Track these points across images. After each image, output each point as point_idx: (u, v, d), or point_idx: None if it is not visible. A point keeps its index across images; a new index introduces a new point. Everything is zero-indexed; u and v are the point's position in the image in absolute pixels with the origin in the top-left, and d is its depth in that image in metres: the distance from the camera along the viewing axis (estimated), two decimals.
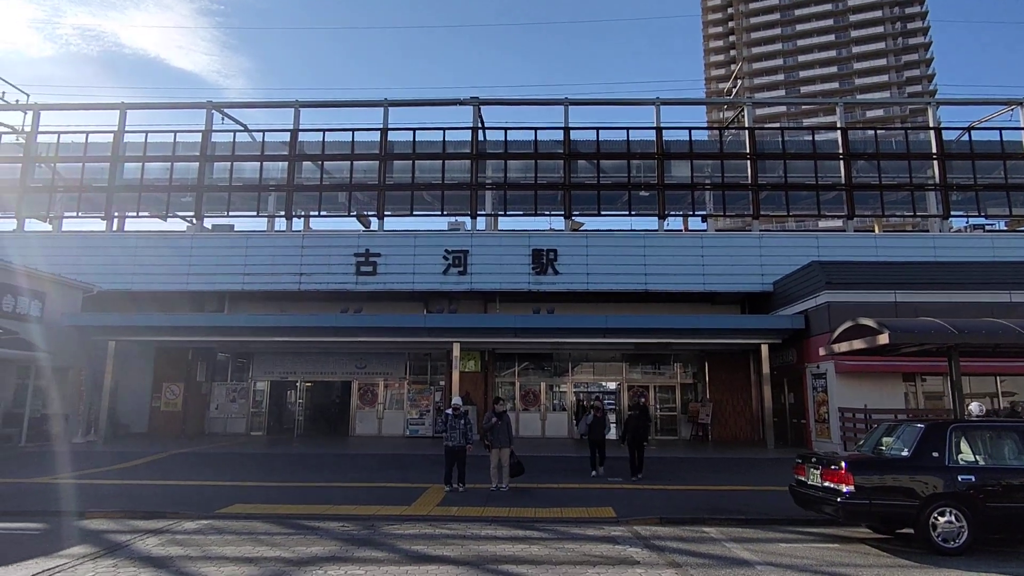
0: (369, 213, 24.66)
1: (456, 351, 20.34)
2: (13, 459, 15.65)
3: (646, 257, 22.24)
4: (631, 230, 24.43)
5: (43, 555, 7.16)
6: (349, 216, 24.59)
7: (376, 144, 23.89)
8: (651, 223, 24.56)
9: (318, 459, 16.93)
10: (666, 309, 22.74)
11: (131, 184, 23.86)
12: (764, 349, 20.29)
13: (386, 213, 23.64)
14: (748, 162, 23.50)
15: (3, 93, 24.57)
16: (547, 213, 25.75)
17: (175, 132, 23.99)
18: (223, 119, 24.43)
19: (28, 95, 25.41)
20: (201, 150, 23.82)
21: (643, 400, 20.14)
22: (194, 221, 24.11)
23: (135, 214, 24.23)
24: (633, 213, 24.07)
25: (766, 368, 20.23)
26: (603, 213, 24.12)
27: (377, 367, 24.02)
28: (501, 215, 24.60)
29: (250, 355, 24.38)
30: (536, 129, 23.65)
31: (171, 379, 23.28)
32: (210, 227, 24.66)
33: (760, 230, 23.35)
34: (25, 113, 24.50)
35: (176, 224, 24.90)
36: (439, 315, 21.96)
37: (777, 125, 62.25)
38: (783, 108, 78.99)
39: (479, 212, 23.55)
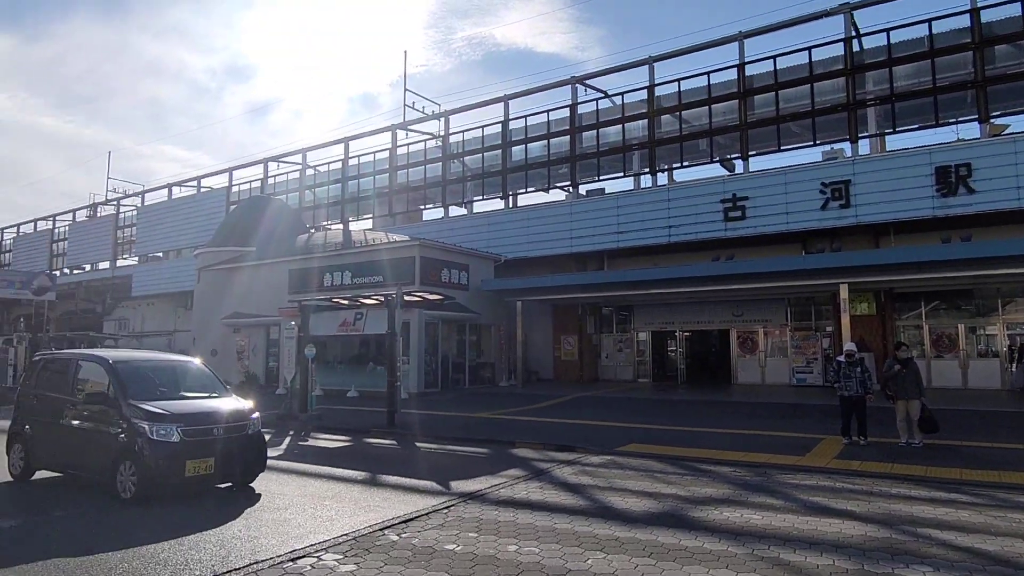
0: (732, 156, 23.75)
1: (844, 293, 18.39)
2: (462, 398, 19.77)
3: None
4: None
5: (490, 473, 8.97)
6: (712, 163, 24.05)
7: (734, 83, 22.76)
8: None
9: (702, 406, 17.32)
10: None
11: (518, 165, 27.41)
12: None
13: (750, 153, 22.46)
14: None
15: (423, 108, 30.50)
16: (952, 121, 21.14)
17: (547, 111, 26.63)
18: (585, 90, 26.19)
19: (439, 105, 31.06)
20: (570, 123, 25.98)
21: None
22: (570, 189, 26.55)
23: (524, 190, 27.79)
24: None
25: None
26: None
27: (755, 314, 23.27)
28: (888, 133, 21.14)
29: (630, 308, 26.03)
30: (929, 20, 19.49)
31: (567, 332, 26.38)
32: (584, 193, 26.83)
33: None
34: (439, 120, 30.06)
35: (556, 195, 27.66)
36: (820, 255, 20.10)
37: None
38: None
39: (860, 135, 20.62)
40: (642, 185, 25.26)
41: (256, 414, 8.37)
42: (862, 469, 8.87)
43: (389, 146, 31.02)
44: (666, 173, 25.48)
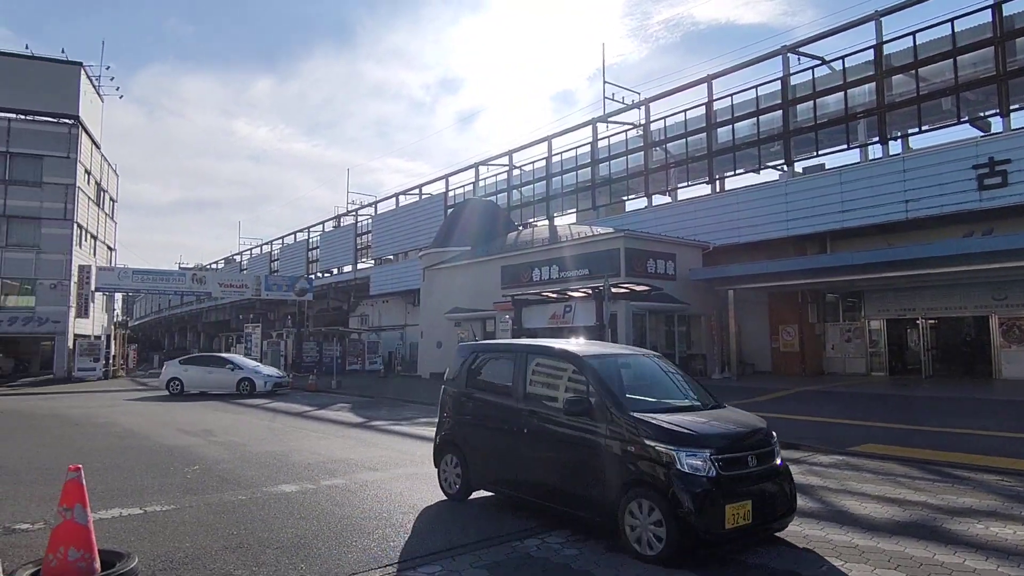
0: (988, 113, 20.25)
1: None
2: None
3: None
4: None
5: None
6: (959, 123, 20.70)
7: (987, 27, 19.37)
8: None
9: (953, 403, 15.08)
10: None
11: (724, 147, 26.04)
12: None
13: (1012, 107, 18.97)
14: None
15: (622, 98, 30.31)
16: None
17: (755, 87, 24.94)
18: (799, 59, 24.06)
19: (639, 94, 30.64)
20: (782, 96, 24.06)
21: None
22: (785, 168, 24.60)
23: (732, 173, 26.34)
24: None
25: None
26: None
27: (1022, 297, 19.65)
28: None
29: (859, 293, 23.47)
30: None
31: (785, 321, 24.53)
32: (801, 170, 24.72)
33: None
34: (638, 109, 29.63)
35: (768, 175, 25.84)
36: None
37: None
38: None
39: None
40: (870, 156, 22.58)
41: (775, 436, 5.95)
42: None
43: (590, 140, 31.29)
44: (900, 141, 22.50)
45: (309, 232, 55.83)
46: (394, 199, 45.94)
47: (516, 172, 36.10)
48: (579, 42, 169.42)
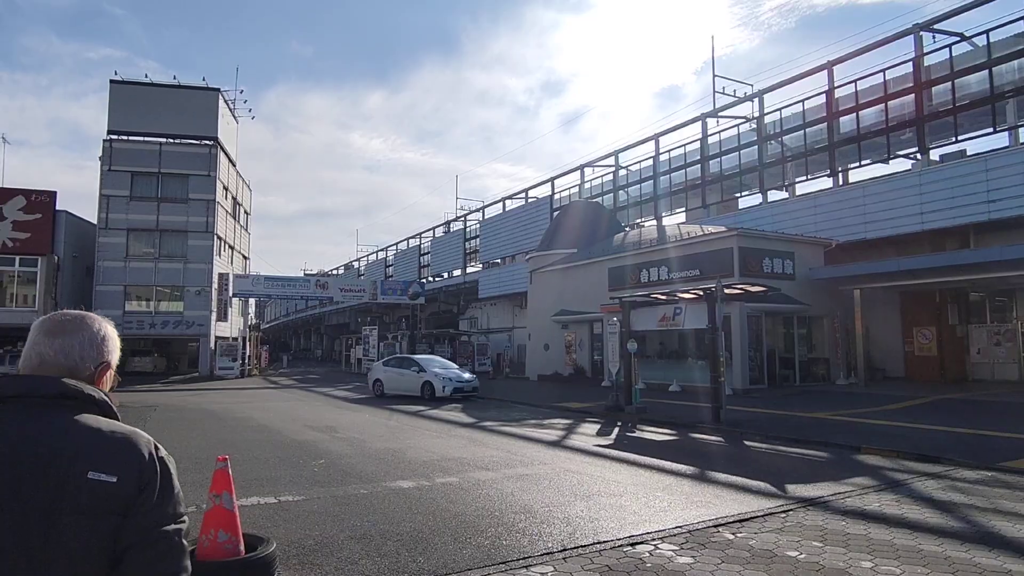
0: None
1: None
2: (792, 396, 18.37)
3: None
4: None
5: (832, 479, 8.18)
6: None
7: None
8: None
9: None
10: None
11: (848, 136, 24.38)
12: None
13: None
14: None
15: (733, 91, 29.16)
16: None
17: (883, 71, 23.18)
18: (933, 37, 22.12)
19: (751, 85, 29.37)
20: (914, 78, 22.20)
21: None
22: (919, 156, 22.67)
23: (856, 164, 24.62)
24: None
25: None
26: None
27: None
28: None
29: (1010, 292, 21.21)
30: None
31: (920, 323, 22.59)
32: (937, 159, 22.69)
33: None
34: (751, 102, 28.37)
35: (899, 165, 23.91)
36: None
37: None
38: None
39: None
40: (1021, 140, 20.35)
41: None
42: None
43: (699, 136, 30.35)
44: None
45: (420, 238, 57.89)
46: (501, 204, 46.69)
47: (622, 172, 35.63)
48: (685, 35, 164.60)
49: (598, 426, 14.03)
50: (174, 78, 43.68)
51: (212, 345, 35.19)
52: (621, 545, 5.63)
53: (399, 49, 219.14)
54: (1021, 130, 20.41)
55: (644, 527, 6.13)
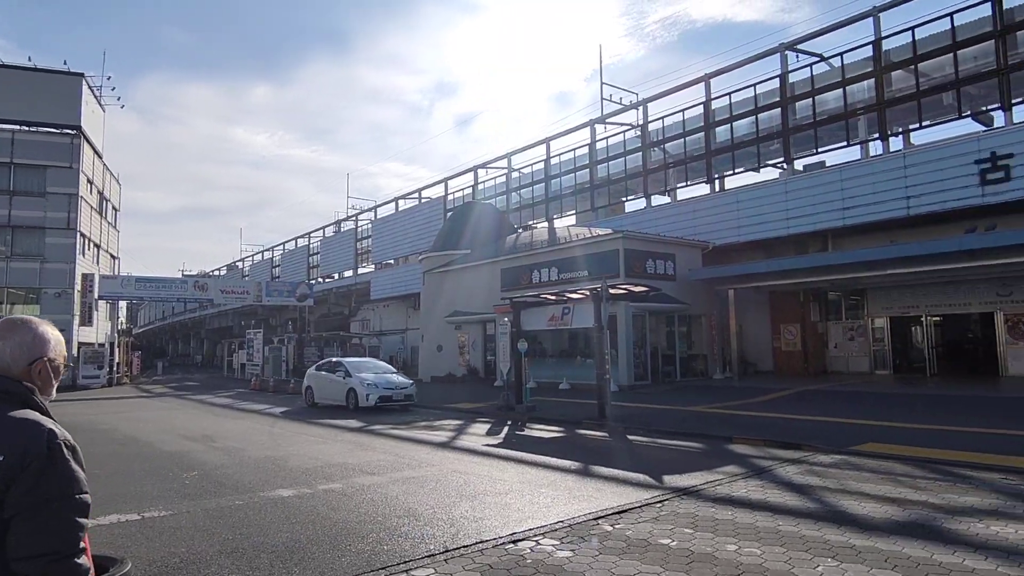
0: (989, 108, 20.15)
1: None
2: (673, 391, 19.29)
3: None
4: None
5: (705, 469, 8.63)
6: (961, 118, 20.60)
7: (987, 20, 19.31)
8: None
9: (958, 402, 15.01)
10: None
11: (723, 146, 25.97)
12: None
13: (1014, 101, 18.90)
14: None
15: (620, 99, 30.28)
16: None
17: (754, 85, 24.87)
18: (796, 57, 24.00)
19: (636, 94, 30.62)
20: (780, 94, 23.99)
21: None
22: (785, 166, 24.51)
23: (731, 172, 26.26)
24: None
25: None
26: None
27: None
28: None
29: (862, 291, 23.37)
30: None
31: (787, 320, 24.43)
32: (801, 168, 24.65)
33: None
34: (636, 109, 29.58)
35: (768, 173, 25.77)
36: None
37: None
38: None
39: None
40: (871, 153, 22.49)
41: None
42: None
43: (588, 141, 31.27)
44: (900, 137, 22.43)
45: (310, 238, 55.89)
46: (394, 203, 45.97)
47: (515, 175, 36.09)
48: (576, 43, 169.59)
49: (488, 426, 14.08)
50: (29, 59, 39.66)
51: (75, 352, 32.22)
52: (503, 543, 5.64)
53: (287, 43, 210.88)
54: (871, 144, 22.54)
55: (527, 524, 6.18)
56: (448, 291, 28.75)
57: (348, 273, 49.10)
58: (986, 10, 19.30)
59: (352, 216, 50.87)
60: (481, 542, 5.67)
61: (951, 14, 19.77)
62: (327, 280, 51.27)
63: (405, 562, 5.18)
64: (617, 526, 6.08)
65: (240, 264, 72.57)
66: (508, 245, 28.46)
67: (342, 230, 52.41)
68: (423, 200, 43.41)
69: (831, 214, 21.76)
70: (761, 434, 11.08)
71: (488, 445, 11.40)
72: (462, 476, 8.57)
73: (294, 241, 59.07)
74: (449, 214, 36.94)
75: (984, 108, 20.44)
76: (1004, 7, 18.92)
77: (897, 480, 7.75)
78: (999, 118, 19.55)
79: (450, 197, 39.93)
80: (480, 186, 38.20)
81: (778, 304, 24.73)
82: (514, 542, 5.66)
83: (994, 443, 9.54)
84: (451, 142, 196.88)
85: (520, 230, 32.94)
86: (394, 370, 19.94)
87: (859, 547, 5.29)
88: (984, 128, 20.31)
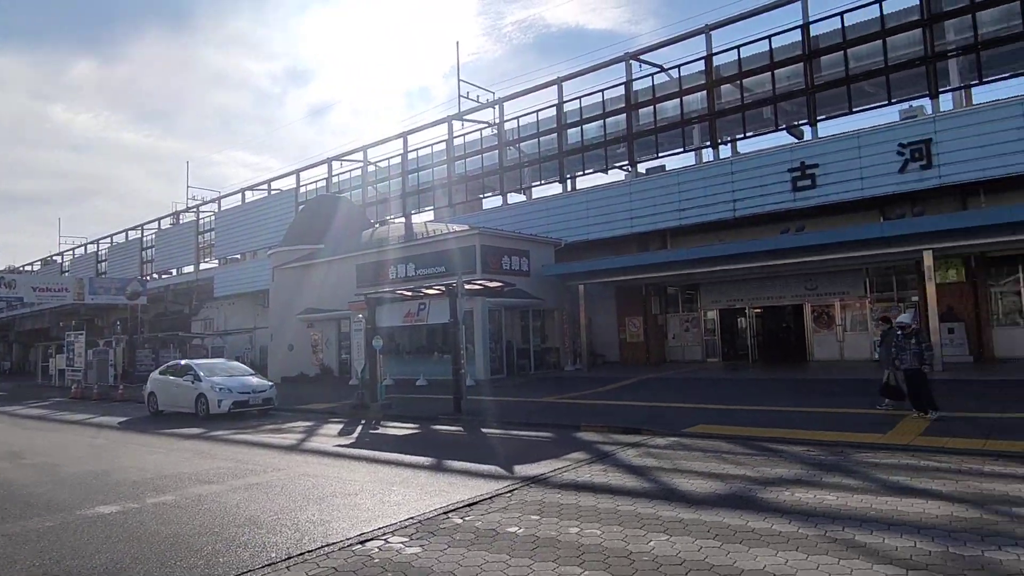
0: (800, 122, 22.69)
1: (928, 260, 17.35)
2: (528, 384, 19.84)
3: None
4: None
5: (554, 457, 8.97)
6: (778, 131, 23.04)
7: (797, 45, 21.71)
8: None
9: (774, 384, 16.78)
10: None
11: (574, 147, 27.09)
12: None
13: (819, 118, 21.41)
14: None
15: (477, 97, 30.56)
16: None
17: (602, 91, 26.14)
18: (640, 66, 25.54)
19: (493, 93, 31.04)
20: (625, 100, 25.44)
21: None
22: (629, 169, 26.04)
23: (582, 172, 27.44)
24: None
25: None
26: None
27: (829, 287, 22.27)
28: (974, 85, 19.64)
29: (696, 286, 25.40)
30: None
31: (632, 313, 26.01)
32: (644, 171, 26.28)
33: None
34: (493, 108, 30.01)
35: (616, 175, 27.24)
36: (900, 221, 19.01)
37: None
38: None
39: (941, 90, 19.32)
40: (704, 159, 24.50)
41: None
42: (951, 446, 8.37)
43: (445, 137, 31.28)
44: (729, 145, 24.63)
45: (143, 230, 50.96)
46: (240, 195, 43.19)
47: (371, 168, 35.28)
48: (434, 38, 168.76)
49: (341, 426, 13.67)
50: None
51: None
52: (351, 544, 5.51)
53: (116, 14, 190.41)
54: (704, 151, 24.54)
55: (376, 523, 6.08)
56: (301, 288, 27.52)
57: (188, 269, 45.43)
58: (797, 35, 21.67)
59: (193, 207, 47.07)
60: (327, 545, 5.49)
61: (769, 37, 22.00)
62: (164, 276, 47.08)
63: (244, 573, 4.90)
64: (467, 518, 6.14)
65: (58, 259, 64.61)
66: (364, 240, 27.78)
67: (181, 222, 48.37)
68: (273, 192, 41.15)
69: (669, 215, 23.44)
70: (606, 421, 11.72)
71: (340, 446, 11.07)
72: (311, 479, 8.25)
73: (124, 234, 53.59)
74: (302, 207, 35.33)
75: (796, 123, 22.99)
76: (811, 34, 21.37)
77: (722, 457, 8.52)
78: (808, 132, 22.05)
79: (303, 189, 38.20)
80: (335, 179, 36.90)
81: (623, 298, 26.26)
82: (362, 542, 5.55)
83: (800, 420, 10.80)
84: (304, 132, 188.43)
85: (377, 225, 32.26)
86: (252, 371, 18.38)
87: (687, 520, 5.76)
88: (795, 140, 22.83)
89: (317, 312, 26.47)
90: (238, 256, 41.89)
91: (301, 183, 38.41)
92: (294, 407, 17.12)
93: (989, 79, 19.48)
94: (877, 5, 20.00)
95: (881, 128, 20.01)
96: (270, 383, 17.33)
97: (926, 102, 19.81)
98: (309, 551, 5.36)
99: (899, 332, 10.89)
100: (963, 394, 12.56)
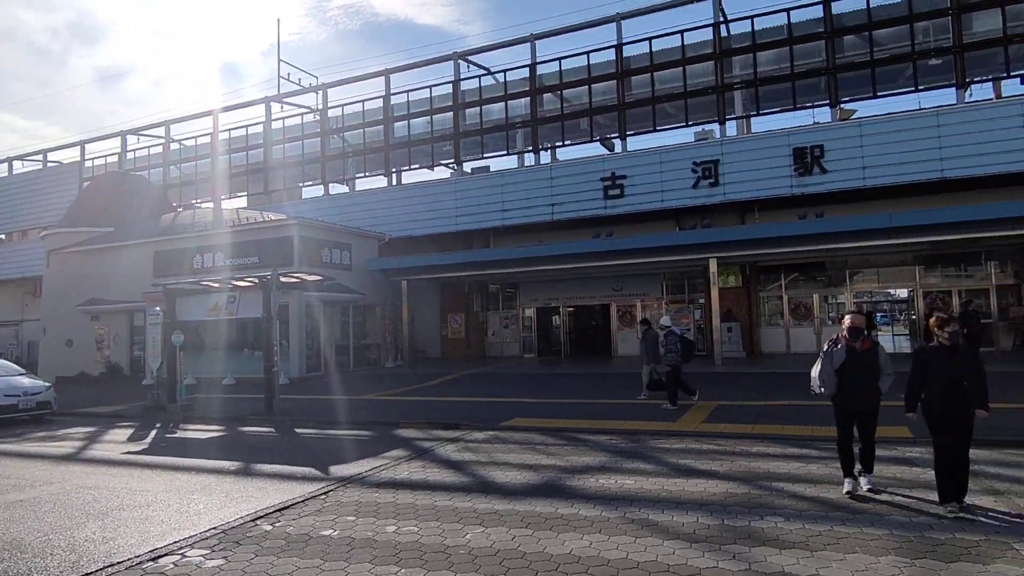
0: (612, 135, 24.48)
1: (713, 267, 19.60)
2: (346, 381, 19.26)
3: (941, 139, 18.74)
4: (918, 110, 20.63)
5: (372, 456, 8.81)
6: (592, 141, 24.67)
7: (612, 63, 23.40)
8: (944, 97, 20.46)
9: (584, 378, 17.92)
10: (970, 199, 19.04)
11: (401, 141, 26.80)
12: None
13: (628, 133, 23.27)
14: None
15: (299, 80, 29.01)
16: (809, 105, 22.91)
17: (430, 87, 26.16)
18: (468, 67, 25.93)
19: (317, 77, 29.69)
20: (453, 99, 25.68)
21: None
22: (455, 167, 26.32)
23: (408, 167, 27.24)
24: (920, 88, 20.39)
25: None
26: (880, 94, 20.72)
27: (633, 288, 24.30)
28: (753, 115, 22.58)
29: (516, 285, 26.37)
30: (788, 10, 20.94)
31: (454, 310, 26.33)
32: (470, 171, 26.73)
33: None
34: (316, 93, 28.71)
35: (442, 172, 27.38)
36: (692, 231, 21.27)
37: None
38: None
39: (728, 116, 21.93)
40: (526, 163, 25.50)
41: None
42: (728, 431, 9.52)
43: (263, 119, 29.39)
44: (549, 152, 25.87)
45: None
46: (6, 164, 37.03)
47: (175, 146, 32.08)
48: (252, 10, 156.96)
49: (132, 430, 12.27)
50: None
51: None
52: (141, 562, 4.97)
53: None
54: (526, 155, 25.53)
55: (172, 536, 5.55)
56: (84, 275, 24.21)
57: None
58: (611, 55, 23.36)
59: None
60: (111, 565, 4.91)
61: (588, 52, 23.49)
62: None
63: None
64: (278, 524, 5.83)
65: None
66: (165, 225, 25.17)
67: None
68: (51, 164, 35.81)
69: (493, 215, 24.08)
70: (426, 417, 11.76)
71: (129, 453, 9.94)
72: (91, 492, 7.31)
73: None
74: (87, 184, 31.13)
75: (608, 136, 24.76)
76: (624, 55, 23.15)
77: (535, 449, 8.94)
78: (619, 145, 23.85)
79: (89, 164, 33.67)
80: (130, 155, 32.99)
81: (446, 295, 26.51)
82: (154, 559, 5.04)
83: (605, 411, 11.66)
84: (94, 100, 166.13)
85: (180, 209, 29.41)
86: (22, 371, 15.73)
87: (502, 512, 5.96)
88: (608, 152, 24.59)
89: (104, 303, 23.49)
90: (2, 236, 35.92)
91: (87, 156, 33.88)
92: (74, 411, 15.03)
93: (765, 111, 22.50)
94: (679, 35, 22.20)
95: (679, 147, 22.26)
96: (46, 384, 14.94)
97: (716, 127, 22.36)
98: (88, 574, 4.75)
99: (661, 332, 12.37)
100: (737, 386, 14.37)
